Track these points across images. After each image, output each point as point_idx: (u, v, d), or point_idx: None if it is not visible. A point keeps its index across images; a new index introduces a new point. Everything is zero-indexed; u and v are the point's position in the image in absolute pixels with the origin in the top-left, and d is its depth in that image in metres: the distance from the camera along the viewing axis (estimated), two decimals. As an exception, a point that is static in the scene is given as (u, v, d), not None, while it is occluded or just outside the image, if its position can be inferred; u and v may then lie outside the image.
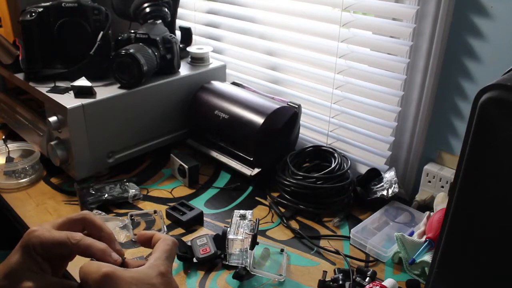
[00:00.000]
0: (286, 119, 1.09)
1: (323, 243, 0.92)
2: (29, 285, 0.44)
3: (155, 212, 0.98)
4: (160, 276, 0.45)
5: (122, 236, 0.90)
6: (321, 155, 1.10)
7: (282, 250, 0.88)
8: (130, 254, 0.87)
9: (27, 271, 0.45)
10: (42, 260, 0.46)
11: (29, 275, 0.45)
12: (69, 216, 0.49)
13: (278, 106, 1.08)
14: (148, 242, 0.51)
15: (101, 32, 1.08)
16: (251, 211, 0.88)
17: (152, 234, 0.51)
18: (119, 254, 0.48)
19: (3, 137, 1.24)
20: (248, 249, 0.81)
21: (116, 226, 0.92)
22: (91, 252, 0.47)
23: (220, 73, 1.28)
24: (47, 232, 0.46)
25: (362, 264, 0.86)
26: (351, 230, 0.91)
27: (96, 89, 1.04)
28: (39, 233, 0.46)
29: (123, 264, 0.49)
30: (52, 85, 1.07)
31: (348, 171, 1.04)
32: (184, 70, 1.21)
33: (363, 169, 1.09)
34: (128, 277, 0.43)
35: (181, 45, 1.26)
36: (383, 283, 0.75)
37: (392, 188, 0.98)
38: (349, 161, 1.06)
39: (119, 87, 1.07)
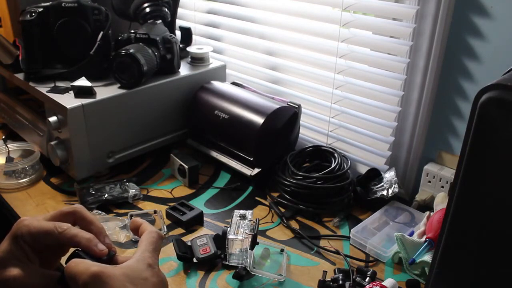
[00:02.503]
0: (286, 119, 1.09)
1: (323, 243, 0.92)
2: (14, 273, 0.45)
3: (155, 212, 0.98)
4: (149, 268, 0.45)
5: (122, 236, 0.90)
6: (321, 155, 1.10)
7: (282, 250, 0.88)
8: (130, 254, 0.86)
9: (14, 259, 0.45)
10: (30, 250, 0.46)
11: (15, 263, 0.45)
12: (61, 209, 0.50)
13: (278, 106, 1.08)
14: (137, 230, 0.51)
15: (101, 32, 1.08)
16: (251, 211, 0.88)
17: (141, 223, 0.51)
18: (108, 248, 0.48)
19: (3, 137, 1.24)
20: (248, 249, 0.81)
21: (116, 226, 0.92)
22: (76, 241, 0.46)
23: (220, 73, 1.28)
24: (36, 221, 0.47)
25: (362, 264, 0.86)
26: (351, 230, 0.91)
27: (96, 89, 1.04)
28: (28, 222, 0.47)
29: (113, 259, 0.49)
30: (52, 85, 1.07)
31: (348, 171, 1.04)
32: (184, 70, 1.21)
33: (363, 169, 1.09)
34: (120, 274, 0.43)
35: (181, 45, 1.26)
36: (383, 283, 0.75)
37: (392, 188, 0.98)
38: (349, 161, 1.06)
39: (119, 87, 1.07)
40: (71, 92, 1.03)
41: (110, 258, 0.48)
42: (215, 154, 1.15)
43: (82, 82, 1.02)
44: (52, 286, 0.47)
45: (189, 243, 0.87)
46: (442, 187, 0.98)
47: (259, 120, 1.05)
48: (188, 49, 1.26)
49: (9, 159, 1.14)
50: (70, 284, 0.43)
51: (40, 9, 1.06)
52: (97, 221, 0.50)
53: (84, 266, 0.43)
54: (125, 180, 1.06)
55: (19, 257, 0.46)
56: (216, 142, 1.15)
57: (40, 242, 0.47)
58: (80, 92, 1.02)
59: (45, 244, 0.47)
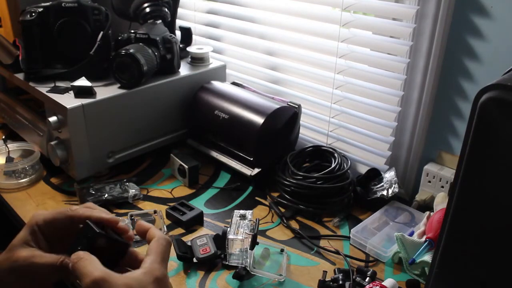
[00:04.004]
0: (286, 119, 1.09)
1: (323, 243, 0.92)
2: (24, 254, 0.47)
3: (155, 212, 0.98)
4: (156, 282, 0.44)
5: (122, 236, 0.90)
6: (321, 155, 1.10)
7: (282, 250, 0.88)
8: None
9: (24, 244, 0.48)
10: (42, 238, 0.49)
11: (25, 246, 0.48)
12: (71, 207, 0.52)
13: (278, 106, 1.08)
14: (144, 234, 0.51)
15: (101, 32, 1.08)
16: (251, 211, 0.88)
17: (149, 227, 0.51)
18: (124, 232, 0.50)
19: (3, 137, 1.24)
20: (248, 249, 0.81)
21: (116, 226, 0.92)
22: (88, 215, 0.49)
23: (220, 73, 1.28)
24: (51, 209, 0.50)
25: (362, 264, 0.86)
26: (351, 230, 0.91)
27: (96, 89, 1.04)
28: (43, 211, 0.50)
29: (127, 252, 0.50)
30: (52, 85, 1.07)
31: (348, 171, 1.04)
32: (184, 70, 1.21)
33: (363, 169, 1.09)
34: (122, 284, 0.43)
35: (181, 45, 1.26)
36: (383, 283, 0.75)
37: (392, 188, 0.98)
38: (349, 161, 1.06)
39: (119, 87, 1.07)
40: (71, 92, 1.03)
41: (126, 245, 0.50)
42: (215, 154, 1.15)
43: (82, 82, 1.02)
44: (60, 268, 0.48)
45: (189, 243, 0.87)
46: (442, 187, 0.98)
47: (259, 120, 1.05)
48: (188, 49, 1.26)
49: (9, 159, 1.14)
50: (73, 279, 0.45)
51: (40, 9, 1.06)
52: (107, 213, 0.52)
53: (90, 269, 0.43)
54: (125, 180, 1.06)
55: (29, 242, 0.48)
56: (216, 142, 1.15)
57: (54, 226, 0.49)
58: (80, 92, 1.02)
59: (58, 229, 0.49)
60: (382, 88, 1.02)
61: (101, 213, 0.50)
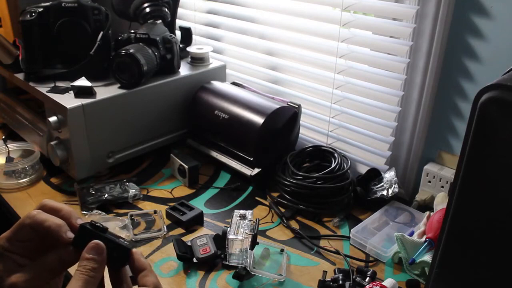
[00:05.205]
0: (286, 119, 1.09)
1: (323, 243, 0.92)
2: (13, 280, 0.45)
3: (155, 212, 0.98)
4: None
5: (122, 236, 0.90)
6: (321, 155, 1.10)
7: (282, 250, 0.88)
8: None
9: (6, 273, 0.46)
10: (17, 257, 0.47)
11: (9, 275, 0.46)
12: (29, 212, 0.50)
13: (278, 106, 1.08)
14: (138, 272, 0.48)
15: (101, 32, 1.08)
16: (251, 211, 0.88)
17: (145, 268, 0.47)
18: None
19: (3, 137, 1.24)
20: (248, 249, 0.81)
21: (116, 226, 0.92)
22: (47, 226, 0.46)
23: (220, 73, 1.28)
24: (8, 230, 0.47)
25: (362, 264, 0.86)
26: (351, 230, 0.91)
27: (96, 89, 1.04)
28: (2, 234, 0.47)
29: (128, 256, 0.48)
30: (52, 85, 1.07)
31: (348, 171, 1.04)
32: (184, 70, 1.21)
33: (363, 169, 1.09)
34: None
35: (181, 45, 1.26)
36: (383, 283, 0.75)
37: (392, 188, 0.98)
38: (349, 161, 1.06)
39: (119, 87, 1.07)
40: (71, 92, 1.03)
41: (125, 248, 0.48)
42: (215, 154, 1.15)
43: (82, 82, 1.02)
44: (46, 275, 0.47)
45: (189, 243, 0.87)
46: (442, 187, 0.98)
47: (259, 120, 1.05)
48: (188, 49, 1.26)
49: (9, 159, 1.14)
50: None
51: (40, 9, 1.06)
52: (65, 206, 0.50)
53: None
54: (125, 180, 1.06)
55: (9, 269, 0.46)
56: (216, 142, 1.15)
57: (21, 241, 0.47)
58: (80, 92, 1.02)
59: (28, 240, 0.47)
60: (382, 88, 1.02)
61: (58, 222, 0.47)
